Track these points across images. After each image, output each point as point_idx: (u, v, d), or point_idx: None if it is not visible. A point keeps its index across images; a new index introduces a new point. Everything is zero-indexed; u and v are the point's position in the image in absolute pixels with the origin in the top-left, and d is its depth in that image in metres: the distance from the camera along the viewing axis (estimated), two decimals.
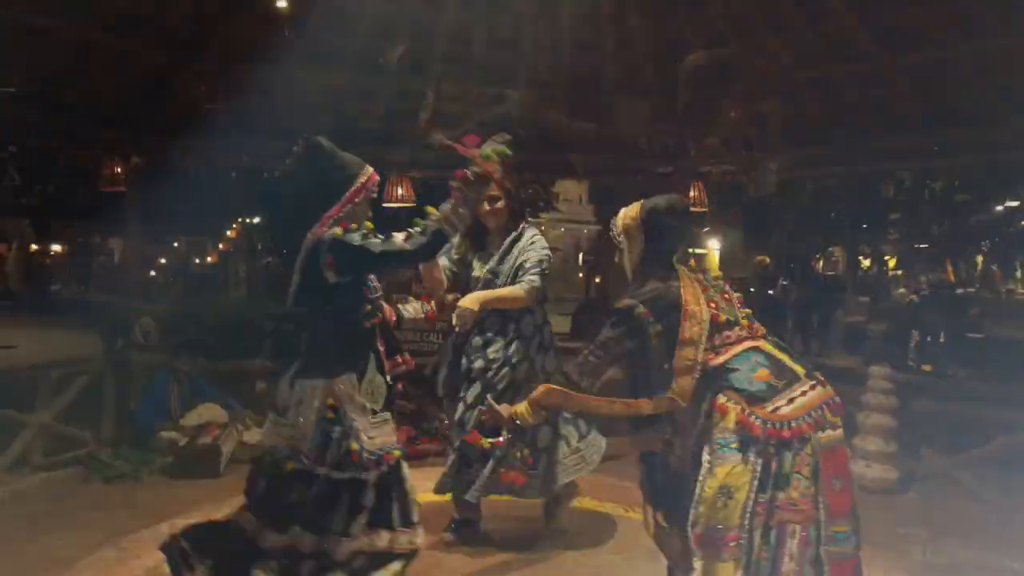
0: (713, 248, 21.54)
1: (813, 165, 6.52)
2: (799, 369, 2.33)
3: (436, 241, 2.49)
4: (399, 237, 2.45)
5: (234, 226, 30.47)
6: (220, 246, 34.28)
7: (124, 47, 4.84)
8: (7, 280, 18.88)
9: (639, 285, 2.48)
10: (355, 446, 2.36)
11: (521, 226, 3.48)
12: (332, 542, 2.34)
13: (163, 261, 29.60)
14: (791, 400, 2.23)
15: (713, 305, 2.39)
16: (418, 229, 2.48)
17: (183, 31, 5.06)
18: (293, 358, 2.46)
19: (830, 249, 23.36)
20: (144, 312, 5.73)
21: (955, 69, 4.82)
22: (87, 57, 4.75)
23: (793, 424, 2.19)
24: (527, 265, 3.37)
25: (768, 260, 19.05)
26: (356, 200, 2.46)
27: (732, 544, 2.11)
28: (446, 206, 2.51)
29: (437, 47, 5.60)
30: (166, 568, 2.91)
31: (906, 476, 4.93)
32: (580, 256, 36.27)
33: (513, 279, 3.38)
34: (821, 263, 23.72)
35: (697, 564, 2.15)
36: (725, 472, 2.15)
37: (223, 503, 3.73)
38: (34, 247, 24.09)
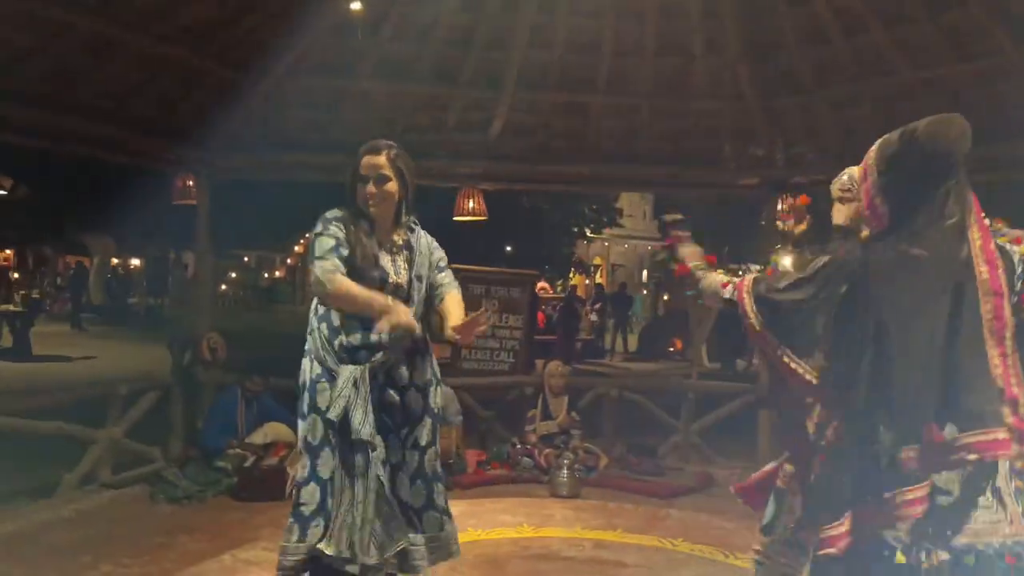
0: (786, 264, 20.67)
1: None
2: None
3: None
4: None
5: (301, 240, 31.19)
6: (288, 261, 35.17)
7: (195, 62, 4.77)
8: (89, 293, 19.57)
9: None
10: None
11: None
12: None
13: (233, 275, 30.45)
14: None
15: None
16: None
17: (252, 44, 4.97)
18: None
19: None
20: (212, 328, 5.64)
21: None
22: (159, 72, 4.70)
23: None
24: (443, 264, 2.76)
25: None
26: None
27: None
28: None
29: (513, 55, 5.36)
30: None
31: None
32: (644, 273, 35.65)
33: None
34: None
35: None
36: None
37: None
38: (115, 260, 25.05)
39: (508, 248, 23.18)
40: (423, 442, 2.60)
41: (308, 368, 2.53)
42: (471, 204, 5.84)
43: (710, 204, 18.42)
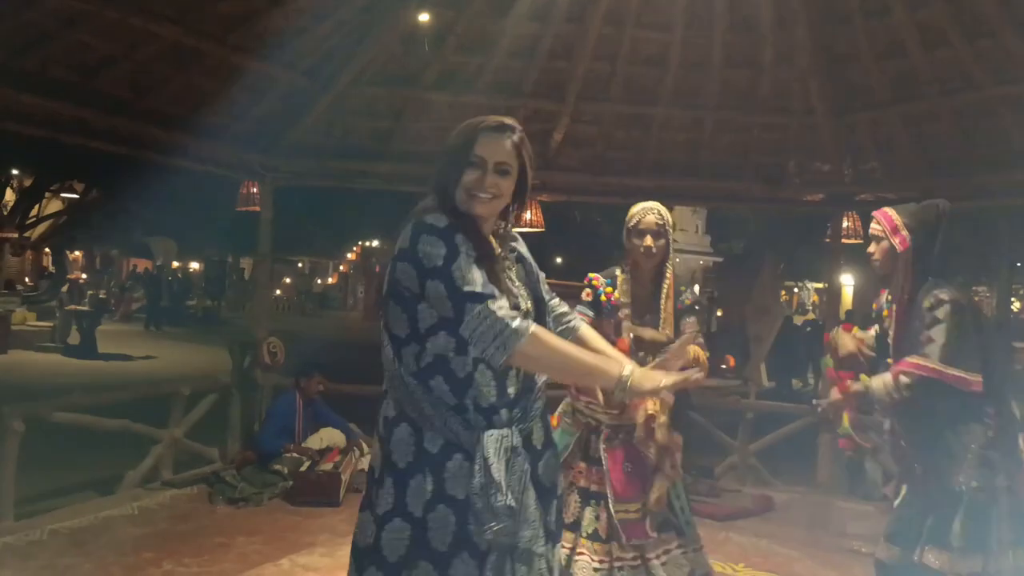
0: (846, 284, 20.22)
1: (979, 196, 5.69)
2: None
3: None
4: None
5: (355, 248, 31.72)
6: (341, 268, 35.80)
7: (265, 69, 4.87)
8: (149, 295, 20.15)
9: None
10: None
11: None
12: None
13: (287, 280, 31.10)
14: None
15: None
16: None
17: (321, 52, 5.06)
18: None
19: (980, 288, 21.44)
20: (272, 332, 5.73)
21: None
22: (230, 80, 4.81)
23: None
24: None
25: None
26: None
27: None
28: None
29: (577, 65, 5.33)
30: None
31: None
32: (696, 288, 35.21)
33: None
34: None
35: None
36: None
37: (341, 536, 3.57)
38: (175, 264, 25.83)
39: (559, 260, 23.11)
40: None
41: (411, 439, 1.68)
42: (529, 215, 5.80)
43: (773, 219, 18.13)
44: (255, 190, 5.87)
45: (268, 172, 5.72)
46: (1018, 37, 4.29)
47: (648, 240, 2.77)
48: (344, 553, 2.80)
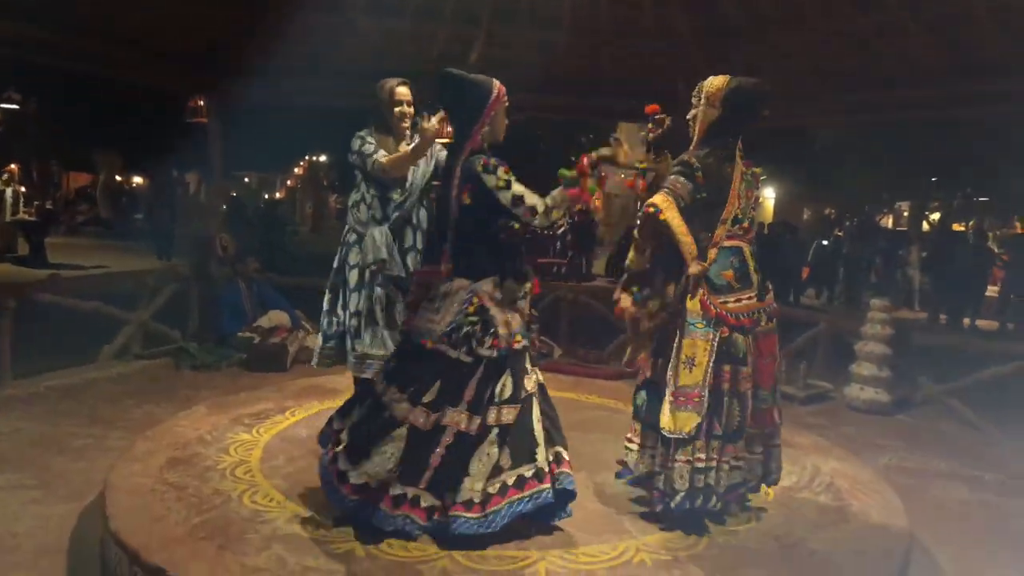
0: (767, 196, 21.38)
1: (879, 111, 6.51)
2: (755, 279, 2.83)
3: (563, 212, 2.66)
4: (534, 200, 2.59)
5: (301, 163, 31.72)
6: (288, 182, 35.69)
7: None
8: (96, 208, 20.27)
9: (698, 149, 2.78)
10: (488, 336, 2.56)
11: None
12: (448, 413, 2.51)
13: (234, 195, 31.00)
14: (738, 300, 2.76)
15: (739, 196, 2.77)
16: (551, 199, 2.62)
17: None
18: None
19: (898, 204, 22.75)
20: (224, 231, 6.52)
21: None
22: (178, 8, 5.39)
23: (741, 316, 2.73)
24: None
25: (832, 211, 18.85)
26: (493, 112, 2.71)
27: (695, 400, 2.66)
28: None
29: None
30: (244, 420, 3.68)
31: (900, 401, 5.38)
32: (639, 203, 36.38)
33: None
34: (891, 219, 23.15)
35: (665, 409, 2.69)
36: (689, 344, 2.69)
37: (286, 388, 4.47)
38: (119, 178, 25.59)
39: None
40: None
41: None
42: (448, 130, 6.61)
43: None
44: (202, 103, 6.54)
45: (214, 89, 6.37)
46: None
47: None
48: (286, 394, 3.68)
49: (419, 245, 3.25)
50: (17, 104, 18.23)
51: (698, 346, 2.69)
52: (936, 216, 20.76)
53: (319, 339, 3.33)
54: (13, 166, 26.36)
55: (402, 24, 6.30)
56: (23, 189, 22.09)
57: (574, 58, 6.55)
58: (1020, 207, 19.80)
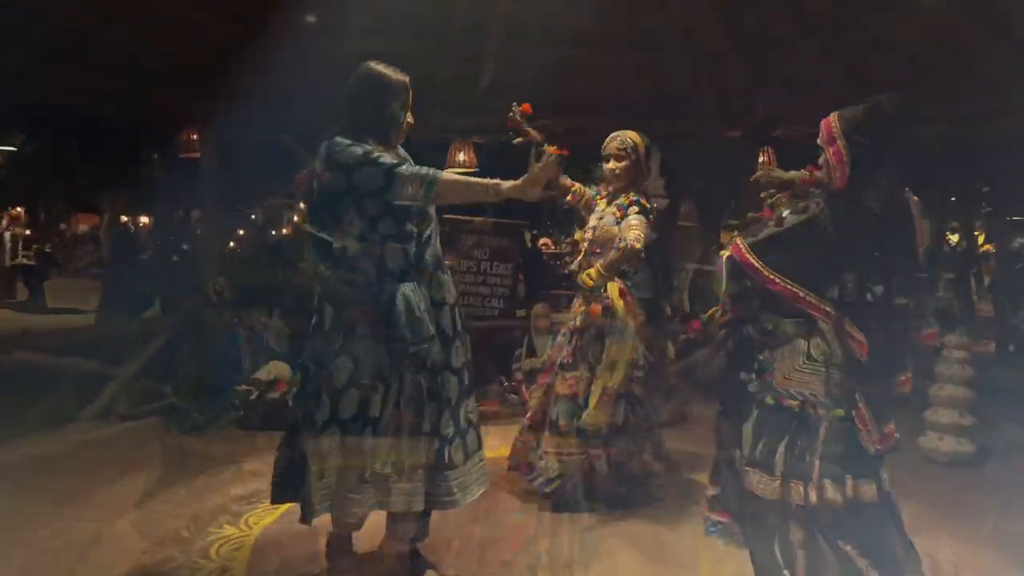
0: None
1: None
2: None
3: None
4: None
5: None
6: (296, 218, 35.42)
7: (199, 17, 5.02)
8: (100, 249, 19.88)
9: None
10: None
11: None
12: None
13: (241, 232, 30.73)
14: None
15: None
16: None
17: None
18: None
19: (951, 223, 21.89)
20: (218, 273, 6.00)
21: None
22: (166, 29, 4.94)
23: None
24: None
25: None
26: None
27: None
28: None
29: (498, 8, 5.57)
30: (231, 507, 3.12)
31: (983, 449, 4.74)
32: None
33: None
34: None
35: None
36: None
37: None
38: (124, 218, 25.31)
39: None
40: None
41: None
42: (462, 156, 6.12)
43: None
44: (195, 137, 6.06)
45: (207, 117, 5.89)
46: None
47: (611, 164, 3.30)
48: None
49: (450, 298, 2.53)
50: (17, 146, 17.99)
51: None
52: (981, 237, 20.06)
53: None
54: (18, 209, 26.18)
55: (406, 42, 5.82)
56: (27, 232, 21.90)
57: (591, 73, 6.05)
58: None
